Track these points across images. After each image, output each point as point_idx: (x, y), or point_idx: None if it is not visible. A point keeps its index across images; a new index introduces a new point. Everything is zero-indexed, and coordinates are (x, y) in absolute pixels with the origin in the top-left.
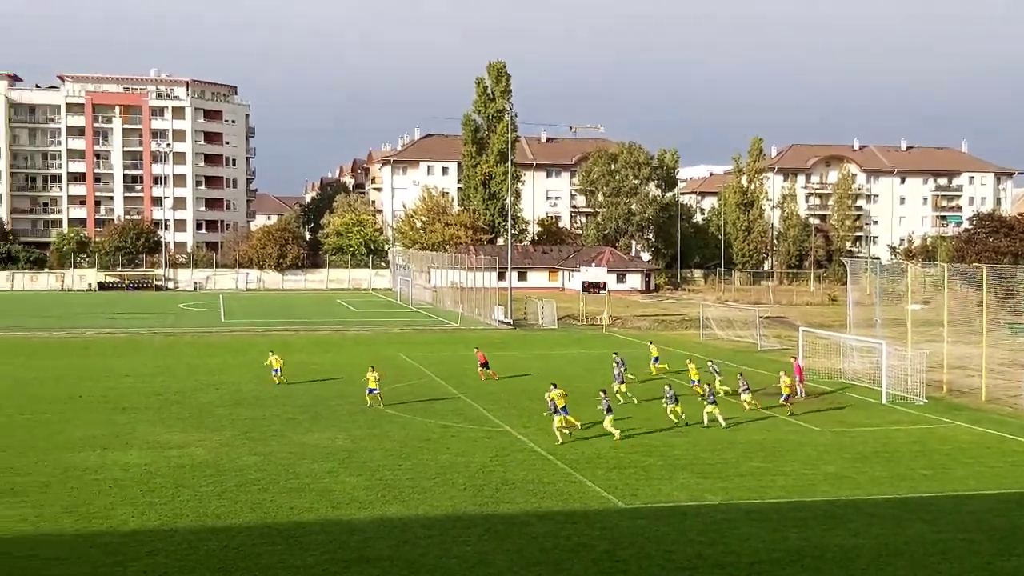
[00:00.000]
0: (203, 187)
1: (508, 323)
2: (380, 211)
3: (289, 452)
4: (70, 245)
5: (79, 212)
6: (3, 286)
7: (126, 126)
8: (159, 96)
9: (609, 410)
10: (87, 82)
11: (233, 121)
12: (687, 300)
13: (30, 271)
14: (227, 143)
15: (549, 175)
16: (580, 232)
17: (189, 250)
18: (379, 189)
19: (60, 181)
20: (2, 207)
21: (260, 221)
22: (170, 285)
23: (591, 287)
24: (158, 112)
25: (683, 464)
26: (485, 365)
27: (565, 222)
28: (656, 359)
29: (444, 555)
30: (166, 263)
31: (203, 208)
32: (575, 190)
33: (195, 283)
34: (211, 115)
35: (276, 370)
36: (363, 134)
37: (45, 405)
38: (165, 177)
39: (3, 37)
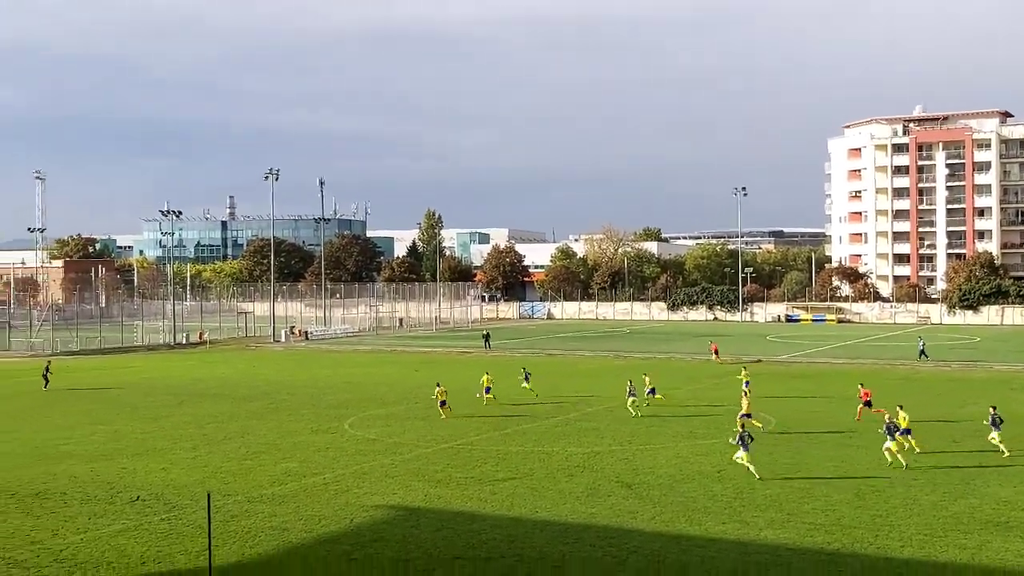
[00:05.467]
0: None
1: None
2: None
3: None
4: None
5: None
6: (993, 320)
7: None
8: None
9: None
10: None
11: None
12: None
13: (1020, 305)
14: None
15: None
16: None
17: None
18: None
19: None
20: (993, 243)
21: None
22: None
23: None
24: None
25: None
26: (868, 404)
27: None
28: None
29: None
30: None
31: None
32: None
33: None
34: None
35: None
36: None
37: None
38: None
39: (995, 77)
